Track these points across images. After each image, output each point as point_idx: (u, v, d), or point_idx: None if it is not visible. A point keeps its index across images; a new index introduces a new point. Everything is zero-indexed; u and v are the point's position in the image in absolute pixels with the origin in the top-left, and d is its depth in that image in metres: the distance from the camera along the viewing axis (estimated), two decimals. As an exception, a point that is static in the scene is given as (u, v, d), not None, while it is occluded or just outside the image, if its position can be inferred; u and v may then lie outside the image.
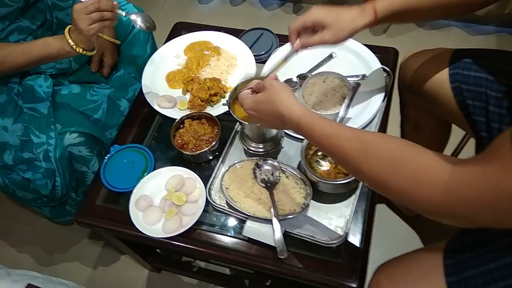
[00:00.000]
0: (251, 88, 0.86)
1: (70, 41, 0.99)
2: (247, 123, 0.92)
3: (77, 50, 1.00)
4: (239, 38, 1.27)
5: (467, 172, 0.54)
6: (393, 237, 1.48)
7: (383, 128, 1.07)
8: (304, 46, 0.89)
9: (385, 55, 1.18)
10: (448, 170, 0.56)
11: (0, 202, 1.73)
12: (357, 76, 1.11)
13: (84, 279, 1.53)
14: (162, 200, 1.00)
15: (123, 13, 1.00)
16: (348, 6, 0.86)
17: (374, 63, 1.13)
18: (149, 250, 1.42)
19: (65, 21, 1.22)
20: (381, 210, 1.53)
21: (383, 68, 1.12)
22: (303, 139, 1.00)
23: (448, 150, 1.36)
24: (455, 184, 0.55)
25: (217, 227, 0.98)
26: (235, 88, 0.95)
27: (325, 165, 0.98)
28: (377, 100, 1.07)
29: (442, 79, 1.00)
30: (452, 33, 1.98)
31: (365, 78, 1.11)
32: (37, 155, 1.15)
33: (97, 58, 1.26)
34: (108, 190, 1.04)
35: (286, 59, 0.95)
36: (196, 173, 1.02)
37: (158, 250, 1.47)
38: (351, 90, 0.97)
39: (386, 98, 1.08)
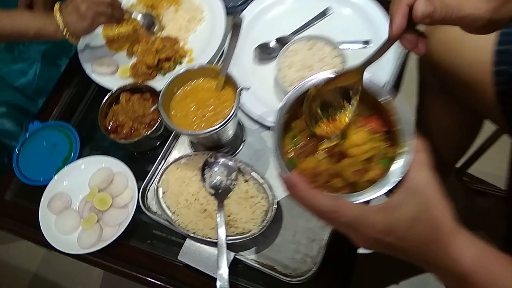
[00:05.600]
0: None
1: (60, 23, 0.79)
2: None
3: (66, 34, 0.80)
4: (210, -17, 0.96)
5: None
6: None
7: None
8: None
9: (402, 13, 0.85)
10: None
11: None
12: (357, 42, 0.80)
13: (36, 262, 1.38)
14: (81, 202, 0.77)
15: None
16: None
17: (384, 25, 0.81)
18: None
19: None
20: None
21: (396, 32, 0.80)
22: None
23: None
24: None
25: (150, 243, 0.74)
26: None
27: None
28: (381, 79, 0.76)
29: (482, 58, 0.69)
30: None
31: (369, 46, 0.80)
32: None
33: (23, 4, 0.97)
34: (20, 181, 0.81)
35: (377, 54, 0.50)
36: (132, 167, 0.77)
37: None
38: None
39: (395, 76, 0.78)
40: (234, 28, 0.65)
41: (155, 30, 0.90)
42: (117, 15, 0.84)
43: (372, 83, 0.49)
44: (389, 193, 0.43)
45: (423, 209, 0.41)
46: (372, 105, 0.50)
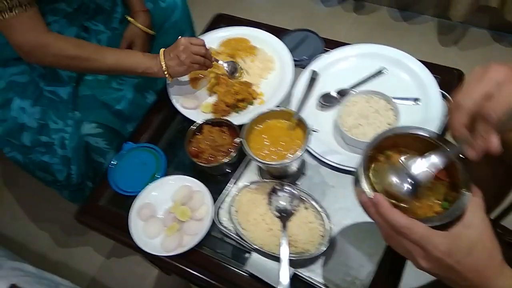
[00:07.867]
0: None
1: (163, 64, 0.99)
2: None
3: (166, 75, 1.01)
4: (281, 39, 1.13)
5: None
6: None
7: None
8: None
9: (447, 77, 0.99)
10: None
11: (27, 178, 1.75)
12: (408, 99, 0.94)
13: (95, 268, 1.51)
14: (166, 212, 0.91)
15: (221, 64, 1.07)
16: None
17: (431, 85, 0.94)
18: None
19: (104, 6, 1.16)
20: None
21: (442, 93, 0.94)
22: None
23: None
24: None
25: (220, 253, 0.87)
26: None
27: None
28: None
29: None
30: (538, 53, 1.70)
31: (418, 103, 0.93)
32: (53, 140, 1.11)
33: (125, 45, 1.19)
34: (113, 191, 0.97)
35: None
36: (207, 187, 0.92)
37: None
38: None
39: (442, 130, 0.91)
40: (311, 81, 0.80)
41: (236, 75, 1.08)
42: (208, 64, 1.02)
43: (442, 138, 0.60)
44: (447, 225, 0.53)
45: (479, 240, 0.50)
46: None
